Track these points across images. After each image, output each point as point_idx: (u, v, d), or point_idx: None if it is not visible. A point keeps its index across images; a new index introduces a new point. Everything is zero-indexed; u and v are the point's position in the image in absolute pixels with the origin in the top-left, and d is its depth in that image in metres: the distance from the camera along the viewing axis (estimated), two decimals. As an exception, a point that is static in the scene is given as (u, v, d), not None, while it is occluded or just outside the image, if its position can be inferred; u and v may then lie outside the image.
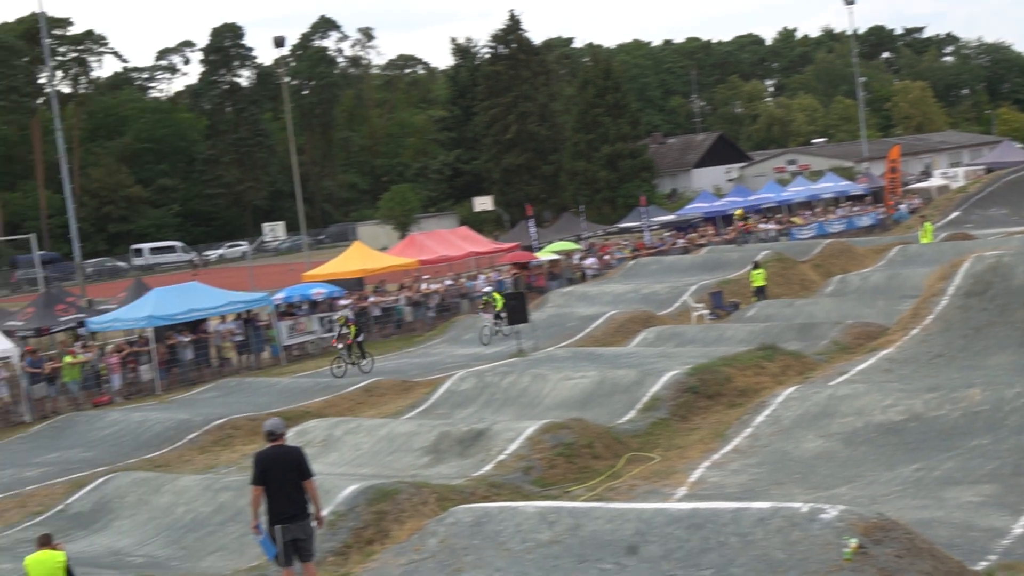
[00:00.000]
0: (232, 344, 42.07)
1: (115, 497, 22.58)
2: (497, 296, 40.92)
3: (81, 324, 42.21)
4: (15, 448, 31.72)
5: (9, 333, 39.23)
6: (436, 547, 15.23)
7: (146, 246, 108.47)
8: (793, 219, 71.39)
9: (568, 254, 60.17)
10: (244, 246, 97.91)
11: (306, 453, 14.53)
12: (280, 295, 45.99)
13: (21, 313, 44.79)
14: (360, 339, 36.87)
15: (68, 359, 37.40)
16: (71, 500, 23.28)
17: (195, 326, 41.11)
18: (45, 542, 14.51)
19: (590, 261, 58.17)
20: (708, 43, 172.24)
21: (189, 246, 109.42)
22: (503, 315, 39.60)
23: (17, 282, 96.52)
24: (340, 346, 36.63)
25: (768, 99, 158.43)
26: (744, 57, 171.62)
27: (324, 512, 14.80)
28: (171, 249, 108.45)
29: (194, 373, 40.33)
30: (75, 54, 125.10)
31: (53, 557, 14.22)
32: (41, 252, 67.38)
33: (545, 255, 58.34)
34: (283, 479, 13.92)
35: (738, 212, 64.21)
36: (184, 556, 19.24)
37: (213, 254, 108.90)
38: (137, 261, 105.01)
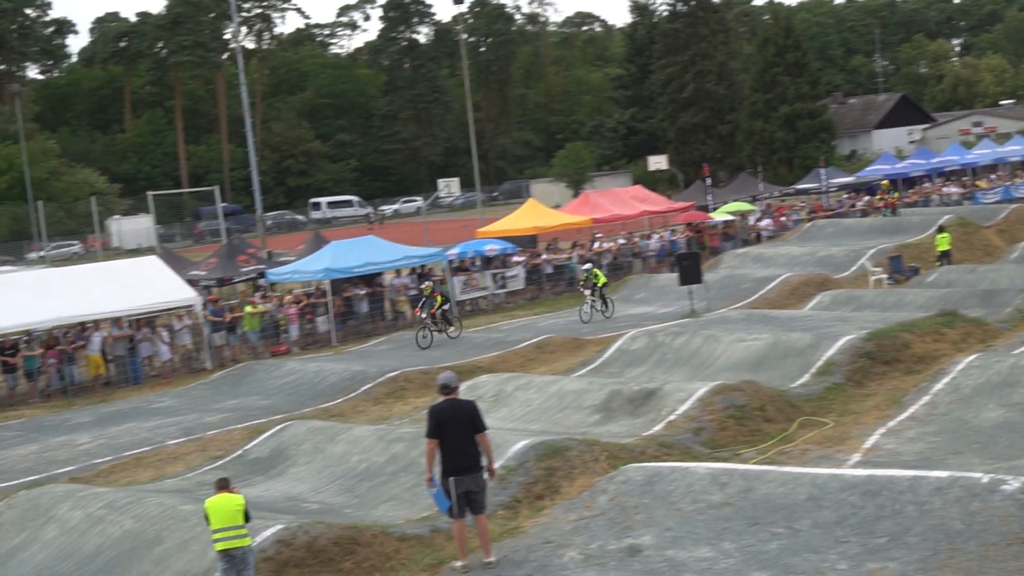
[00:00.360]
0: (406, 298, 42.59)
1: (292, 444, 23.06)
2: (598, 273, 39.18)
3: (261, 275, 43.19)
4: (196, 394, 32.64)
5: (192, 283, 40.31)
6: (606, 504, 15.22)
7: (324, 200, 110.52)
8: (978, 183, 69.35)
9: (743, 215, 59.45)
10: (419, 201, 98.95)
11: (479, 406, 14.63)
12: (454, 251, 46.36)
13: (204, 263, 46.01)
14: (446, 307, 36.44)
15: (248, 309, 38.29)
16: (250, 446, 23.85)
17: (371, 279, 41.71)
18: (223, 486, 14.87)
19: (766, 222, 57.41)
20: (893, 1, 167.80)
21: (365, 201, 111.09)
22: (604, 293, 38.44)
23: (200, 233, 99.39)
24: (424, 315, 35.88)
25: (954, 59, 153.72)
26: (930, 15, 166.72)
27: (495, 465, 14.90)
28: (348, 203, 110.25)
29: (369, 326, 40.95)
30: (259, 10, 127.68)
31: (233, 500, 14.57)
32: (223, 204, 68.99)
33: (720, 216, 57.71)
34: (457, 432, 14.02)
35: (884, 183, 62.08)
36: (357, 504, 19.56)
37: (388, 209, 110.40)
38: (315, 214, 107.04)
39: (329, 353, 37.06)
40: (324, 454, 22.17)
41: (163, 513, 17.85)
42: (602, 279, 38.75)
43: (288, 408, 28.44)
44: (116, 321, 35.85)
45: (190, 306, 37.17)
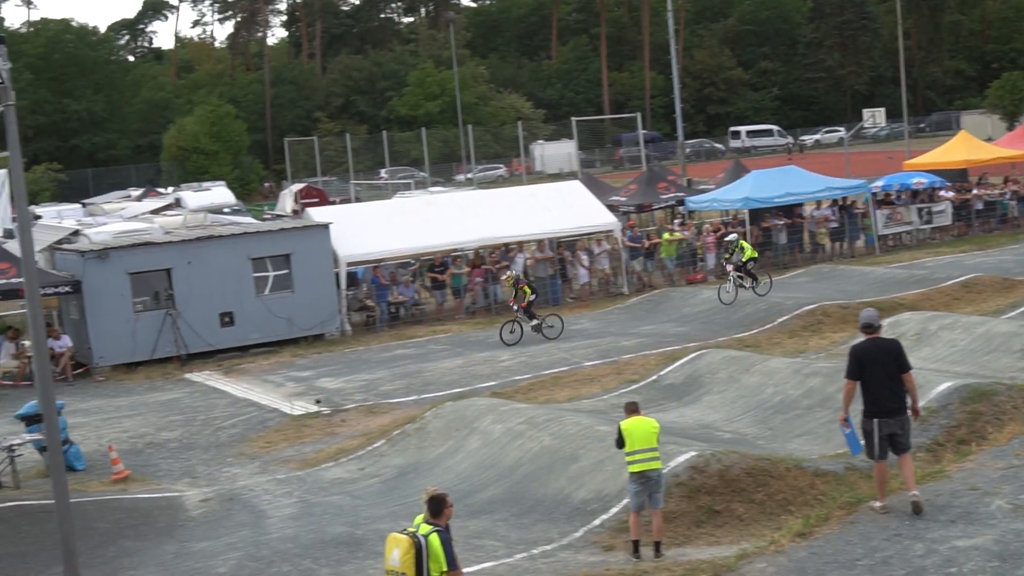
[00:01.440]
0: (826, 230, 41.72)
1: (707, 372, 23.12)
2: (744, 245, 33.82)
3: (680, 202, 43.30)
4: (613, 318, 33.20)
5: (612, 208, 40.84)
6: (1038, 455, 14.46)
7: (743, 128, 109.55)
8: None
9: None
10: (841, 132, 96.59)
11: (902, 345, 14.10)
12: (878, 183, 44.97)
13: (624, 189, 46.53)
14: (533, 299, 31.11)
15: (666, 236, 38.52)
16: (664, 372, 24.09)
17: (790, 210, 41.07)
18: (633, 409, 15.06)
19: None
20: None
21: (785, 130, 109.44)
22: (751, 268, 33.31)
23: (620, 159, 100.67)
24: (515, 308, 30.79)
25: None
26: None
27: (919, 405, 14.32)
28: (768, 133, 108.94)
29: (787, 257, 40.39)
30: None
31: (649, 423, 14.75)
32: (643, 131, 69.47)
33: None
34: (882, 372, 13.55)
35: None
36: (771, 436, 19.43)
37: (809, 139, 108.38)
38: (734, 143, 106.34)
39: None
40: (739, 384, 22.11)
41: (580, 432, 18.28)
42: (749, 252, 33.66)
43: (702, 336, 28.52)
44: (539, 243, 36.81)
45: (610, 231, 37.72)
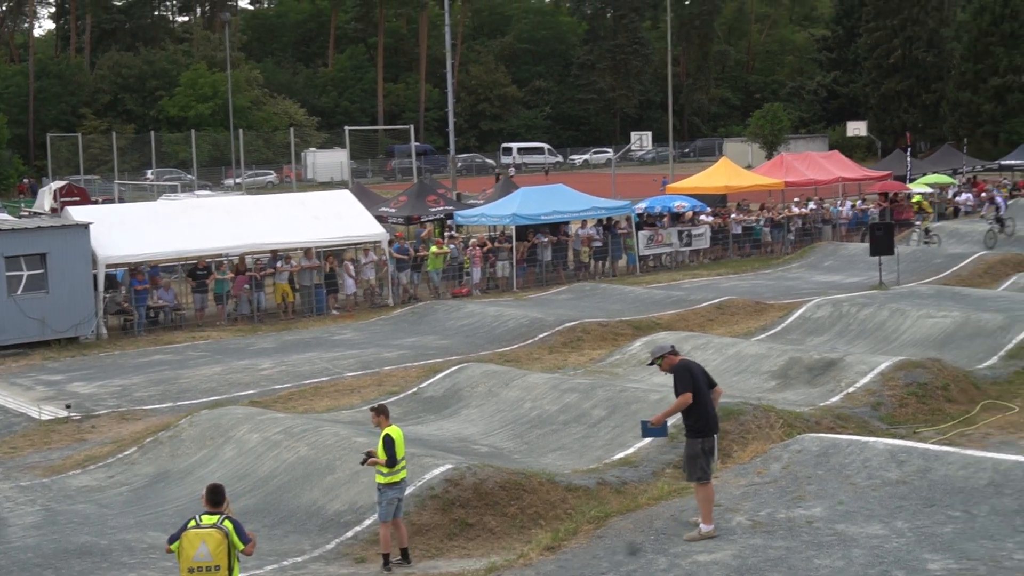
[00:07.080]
0: (590, 249, 42.49)
1: (466, 386, 23.26)
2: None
3: (449, 216, 43.55)
4: (377, 329, 33.13)
5: (381, 219, 40.81)
6: (779, 472, 14.98)
7: (515, 145, 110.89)
8: None
9: (943, 188, 57.70)
10: (609, 153, 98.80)
11: None
12: (642, 205, 46.07)
13: (394, 201, 46.56)
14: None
15: (433, 249, 38.66)
16: (425, 384, 24.14)
17: (556, 228, 41.73)
18: (387, 412, 15.07)
19: (964, 197, 55.65)
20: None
21: (555, 149, 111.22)
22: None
23: (392, 171, 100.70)
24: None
25: None
26: None
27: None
28: (539, 150, 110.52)
29: (550, 274, 41.01)
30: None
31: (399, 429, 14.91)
32: (416, 144, 69.71)
33: (918, 187, 56.10)
34: (706, 390, 13.58)
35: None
36: (526, 451, 19.65)
37: (578, 158, 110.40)
38: (505, 159, 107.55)
39: (509, 298, 37.23)
40: (497, 398, 22.30)
41: (337, 443, 18.18)
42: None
43: (465, 350, 28.68)
44: (306, 252, 36.51)
45: (377, 242, 37.68)
